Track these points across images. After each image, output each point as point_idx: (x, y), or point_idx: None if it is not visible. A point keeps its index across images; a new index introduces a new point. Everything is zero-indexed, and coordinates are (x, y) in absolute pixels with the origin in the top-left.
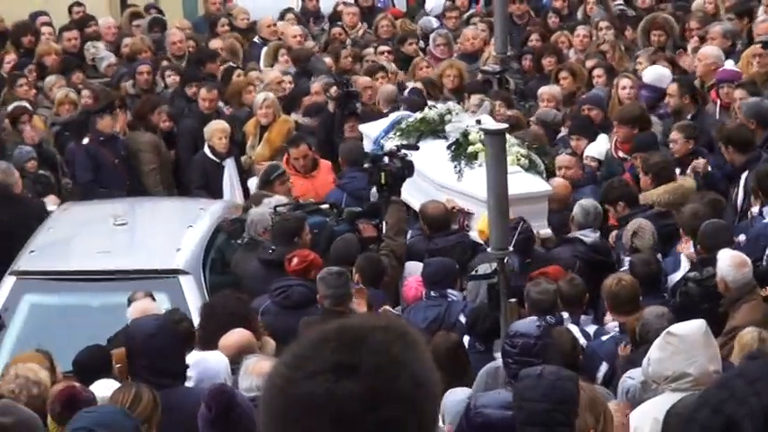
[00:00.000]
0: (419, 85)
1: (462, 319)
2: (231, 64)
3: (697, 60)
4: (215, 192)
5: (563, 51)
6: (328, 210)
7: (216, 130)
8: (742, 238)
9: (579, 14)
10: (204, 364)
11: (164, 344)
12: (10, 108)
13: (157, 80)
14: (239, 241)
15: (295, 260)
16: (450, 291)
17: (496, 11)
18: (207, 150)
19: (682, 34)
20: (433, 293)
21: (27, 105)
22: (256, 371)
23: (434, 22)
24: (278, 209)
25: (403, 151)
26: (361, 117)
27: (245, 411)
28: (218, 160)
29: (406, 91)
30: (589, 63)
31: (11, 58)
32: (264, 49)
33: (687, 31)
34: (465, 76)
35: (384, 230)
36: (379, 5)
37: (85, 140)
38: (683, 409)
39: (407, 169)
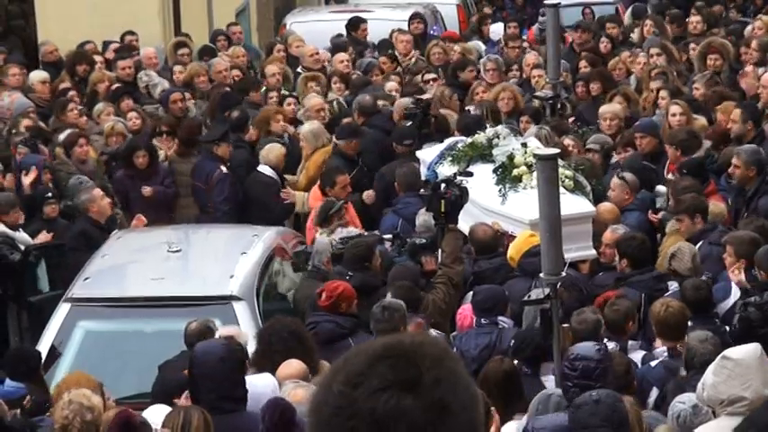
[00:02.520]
0: (477, 109)
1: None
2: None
3: (762, 87)
4: None
5: (613, 77)
6: (389, 239)
7: (281, 155)
8: None
9: (635, 36)
10: (252, 389)
11: (232, 368)
12: (62, 136)
13: (190, 107)
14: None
15: (323, 295)
16: (500, 318)
17: (549, 39)
18: (266, 170)
19: (737, 58)
20: (483, 320)
21: (78, 131)
22: (291, 398)
23: (482, 46)
24: (344, 239)
25: (459, 178)
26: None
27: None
28: (278, 180)
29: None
30: (654, 84)
31: (65, 86)
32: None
33: (745, 55)
34: (519, 98)
35: (441, 258)
36: (432, 33)
37: (224, 169)
38: None
39: (465, 197)
